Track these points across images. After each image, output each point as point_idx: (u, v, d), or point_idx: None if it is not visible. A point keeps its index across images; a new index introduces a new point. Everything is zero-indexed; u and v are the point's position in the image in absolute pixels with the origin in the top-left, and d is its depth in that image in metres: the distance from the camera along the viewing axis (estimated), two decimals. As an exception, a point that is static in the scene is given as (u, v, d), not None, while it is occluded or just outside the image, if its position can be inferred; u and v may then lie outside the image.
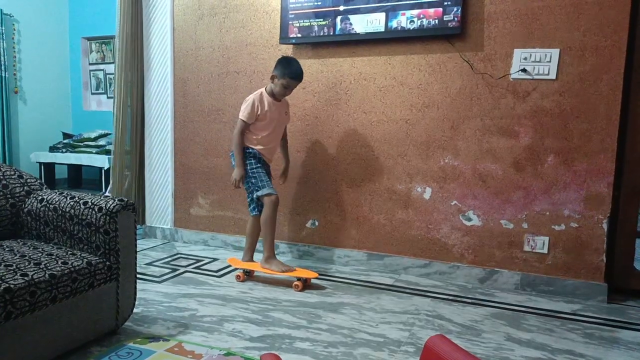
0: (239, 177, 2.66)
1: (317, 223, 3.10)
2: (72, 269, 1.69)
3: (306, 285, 2.58)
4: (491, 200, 2.65)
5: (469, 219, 2.72)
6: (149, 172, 3.60)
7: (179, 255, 3.16)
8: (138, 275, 2.51)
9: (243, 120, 2.64)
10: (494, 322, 2.17)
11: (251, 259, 2.80)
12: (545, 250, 2.56)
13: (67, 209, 1.92)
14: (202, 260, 3.05)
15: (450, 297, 2.47)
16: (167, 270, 2.81)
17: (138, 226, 3.63)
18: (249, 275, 2.73)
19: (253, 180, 2.66)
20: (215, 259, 3.08)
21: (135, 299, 1.98)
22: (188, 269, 2.87)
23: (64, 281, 1.64)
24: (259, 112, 2.64)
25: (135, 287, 1.97)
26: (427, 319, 2.18)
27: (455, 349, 1.09)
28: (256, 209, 2.73)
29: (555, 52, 2.48)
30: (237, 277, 2.69)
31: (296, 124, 3.10)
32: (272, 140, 2.74)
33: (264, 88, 2.71)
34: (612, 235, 2.54)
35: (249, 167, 2.67)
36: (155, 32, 3.48)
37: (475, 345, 1.94)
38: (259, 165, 2.69)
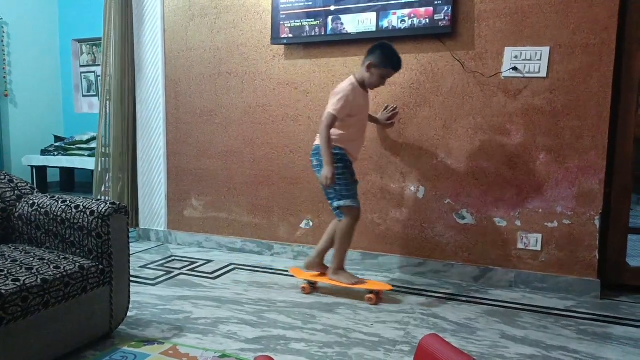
0: (331, 175, 2.31)
1: (311, 223, 3.10)
2: (65, 273, 1.67)
3: (379, 298, 2.39)
4: (484, 198, 2.66)
5: (463, 217, 2.73)
6: (142, 174, 3.58)
7: (173, 258, 3.15)
8: (132, 278, 2.50)
9: (333, 115, 2.33)
10: (489, 319, 2.18)
11: (321, 263, 2.58)
12: (538, 248, 2.58)
13: (59, 213, 1.90)
14: (197, 262, 3.04)
15: (445, 296, 2.48)
16: (161, 273, 2.80)
17: (132, 229, 3.62)
18: (313, 287, 2.53)
19: (337, 187, 2.39)
20: (209, 261, 3.07)
21: (129, 302, 1.97)
22: (182, 271, 2.86)
23: (56, 286, 1.63)
24: (351, 107, 2.39)
25: (129, 291, 1.96)
26: (422, 318, 2.19)
27: (448, 348, 1.09)
28: (342, 214, 2.47)
29: (545, 50, 2.50)
30: (302, 289, 2.49)
31: (289, 124, 3.10)
32: (361, 135, 2.53)
33: (353, 77, 2.44)
34: (605, 231, 2.56)
35: (335, 171, 2.37)
36: (146, 34, 3.47)
37: (470, 343, 1.94)
38: (345, 170, 2.43)
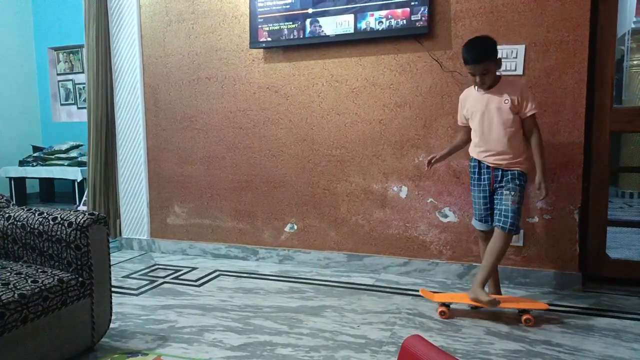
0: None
1: (295, 227, 3.09)
2: (43, 287, 1.64)
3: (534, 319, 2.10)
4: (466, 196, 2.68)
5: (445, 216, 2.75)
6: (122, 182, 3.53)
7: (156, 266, 3.11)
8: (114, 289, 2.47)
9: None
10: (474, 316, 2.20)
11: (497, 288, 2.31)
12: (520, 243, 2.61)
13: (36, 226, 1.86)
14: (181, 270, 3.00)
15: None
16: (144, 282, 2.76)
17: (114, 239, 3.56)
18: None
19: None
20: (194, 268, 3.04)
21: (111, 314, 1.93)
22: (166, 279, 2.82)
23: (34, 300, 1.59)
24: (465, 112, 2.26)
25: (111, 302, 1.93)
26: (408, 318, 2.20)
27: (431, 349, 1.09)
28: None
29: (521, 48, 2.53)
30: (441, 313, 2.19)
31: (270, 128, 3.09)
32: (483, 140, 2.19)
33: None
34: (584, 225, 2.60)
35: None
36: (123, 40, 3.42)
37: (455, 341, 1.96)
38: (472, 181, 2.29)
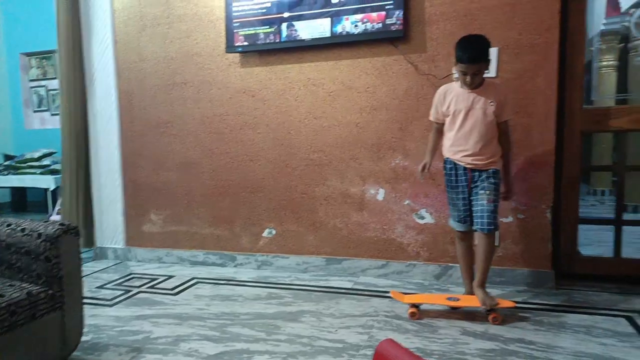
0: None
1: (273, 232, 3.08)
2: (10, 301, 1.59)
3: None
4: (442, 198, 2.70)
5: (422, 217, 2.77)
6: (97, 190, 3.47)
7: (132, 275, 3.05)
8: (87, 300, 2.42)
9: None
10: (450, 317, 2.22)
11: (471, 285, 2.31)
12: (496, 243, 2.63)
13: (3, 238, 1.81)
14: (157, 279, 2.96)
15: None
16: (119, 293, 2.71)
17: (88, 248, 3.49)
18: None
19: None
20: (171, 276, 3.00)
21: (83, 327, 1.89)
22: (142, 289, 2.78)
23: (1, 315, 1.54)
24: (445, 109, 2.23)
25: (83, 314, 1.89)
26: (385, 320, 2.20)
27: (404, 352, 1.10)
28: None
29: (494, 51, 2.56)
30: (411, 314, 2.20)
31: (247, 133, 3.07)
32: (462, 139, 2.18)
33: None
34: (557, 223, 2.65)
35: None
36: (97, 45, 3.36)
37: (432, 342, 1.97)
38: (449, 183, 2.29)
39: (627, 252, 2.71)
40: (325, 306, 2.40)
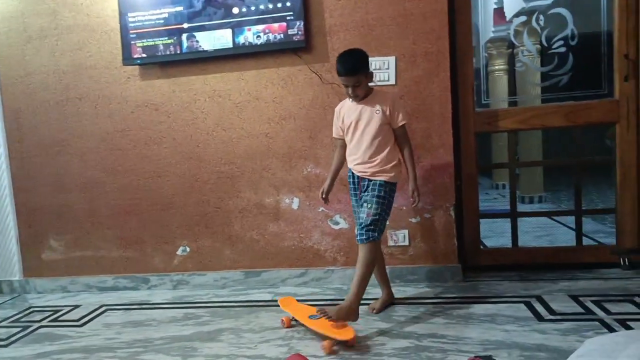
0: None
1: (188, 249, 2.97)
2: None
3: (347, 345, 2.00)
4: (354, 203, 2.78)
5: (337, 223, 2.82)
6: (-16, 219, 3.13)
7: (31, 309, 2.79)
8: (-26, 345, 2.17)
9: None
10: (367, 319, 2.27)
11: (388, 287, 2.44)
12: (406, 243, 2.76)
13: None
14: (61, 310, 2.73)
15: (328, 302, 2.52)
16: (16, 330, 2.46)
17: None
18: None
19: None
20: (76, 306, 2.78)
21: (-33, 376, 1.69)
22: (43, 323, 2.54)
23: None
24: (340, 123, 2.30)
25: (-34, 362, 1.69)
26: (305, 330, 2.20)
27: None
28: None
29: (392, 60, 2.69)
30: (282, 322, 2.26)
31: (152, 148, 2.94)
32: (355, 148, 2.25)
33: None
34: (460, 220, 2.83)
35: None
36: (-25, 59, 3.04)
37: (349, 346, 2.00)
38: (350, 191, 2.35)
39: (524, 241, 2.96)
40: (245, 321, 2.36)
